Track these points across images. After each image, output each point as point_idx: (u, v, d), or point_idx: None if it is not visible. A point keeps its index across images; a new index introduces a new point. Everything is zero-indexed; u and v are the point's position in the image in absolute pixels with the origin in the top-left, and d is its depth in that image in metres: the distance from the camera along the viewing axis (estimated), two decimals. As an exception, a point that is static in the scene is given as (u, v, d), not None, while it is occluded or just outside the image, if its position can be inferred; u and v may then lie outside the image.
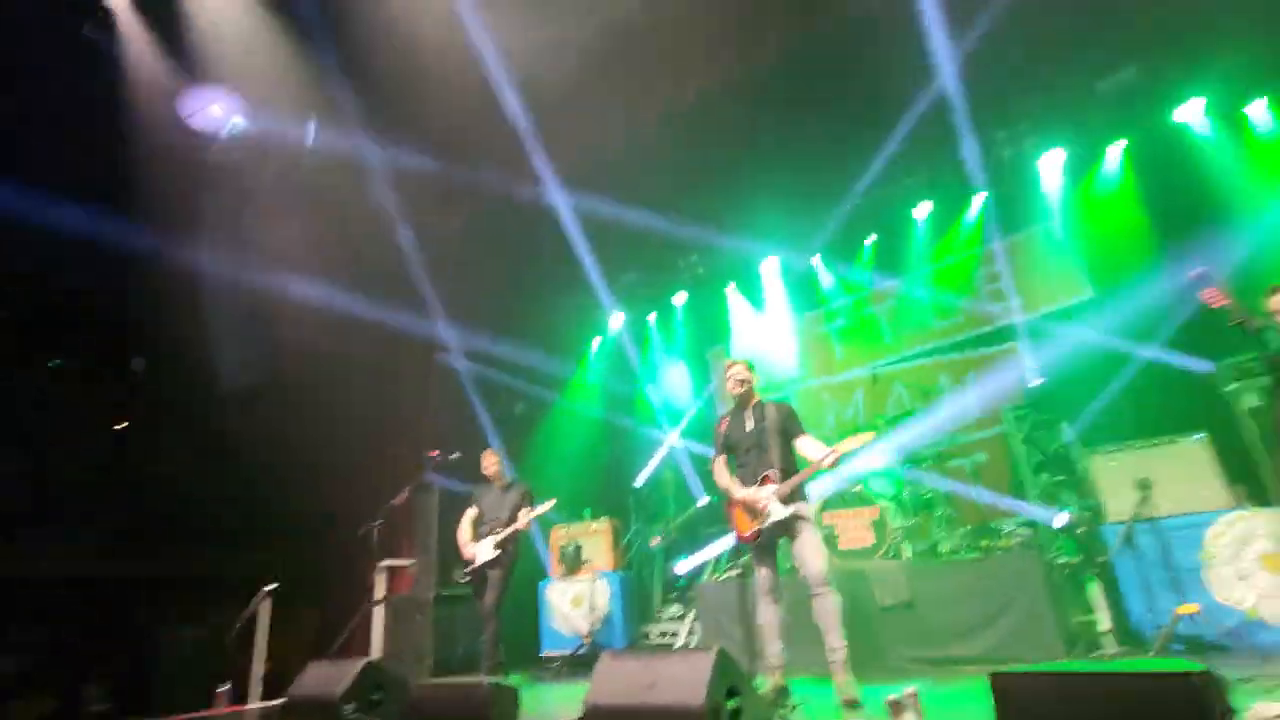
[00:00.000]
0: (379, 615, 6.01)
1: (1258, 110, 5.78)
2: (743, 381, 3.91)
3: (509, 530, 4.96)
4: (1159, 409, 5.16)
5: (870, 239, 7.83)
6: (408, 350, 7.79)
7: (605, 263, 8.47)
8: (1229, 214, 5.55)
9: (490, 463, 5.32)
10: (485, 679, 2.98)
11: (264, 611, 5.39)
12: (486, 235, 7.91)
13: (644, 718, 2.40)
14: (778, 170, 6.90)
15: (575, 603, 6.51)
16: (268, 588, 5.26)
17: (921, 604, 4.57)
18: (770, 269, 8.53)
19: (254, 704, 4.94)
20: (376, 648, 6.15)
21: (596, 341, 9.83)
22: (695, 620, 6.17)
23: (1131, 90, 6.12)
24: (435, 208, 7.35)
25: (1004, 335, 7.02)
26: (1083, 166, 6.60)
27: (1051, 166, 6.73)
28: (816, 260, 8.25)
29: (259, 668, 5.23)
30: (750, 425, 3.85)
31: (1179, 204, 5.88)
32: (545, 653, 6.56)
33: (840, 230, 7.62)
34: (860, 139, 6.63)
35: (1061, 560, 4.74)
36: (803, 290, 8.45)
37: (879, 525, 5.11)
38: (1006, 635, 4.25)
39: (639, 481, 8.09)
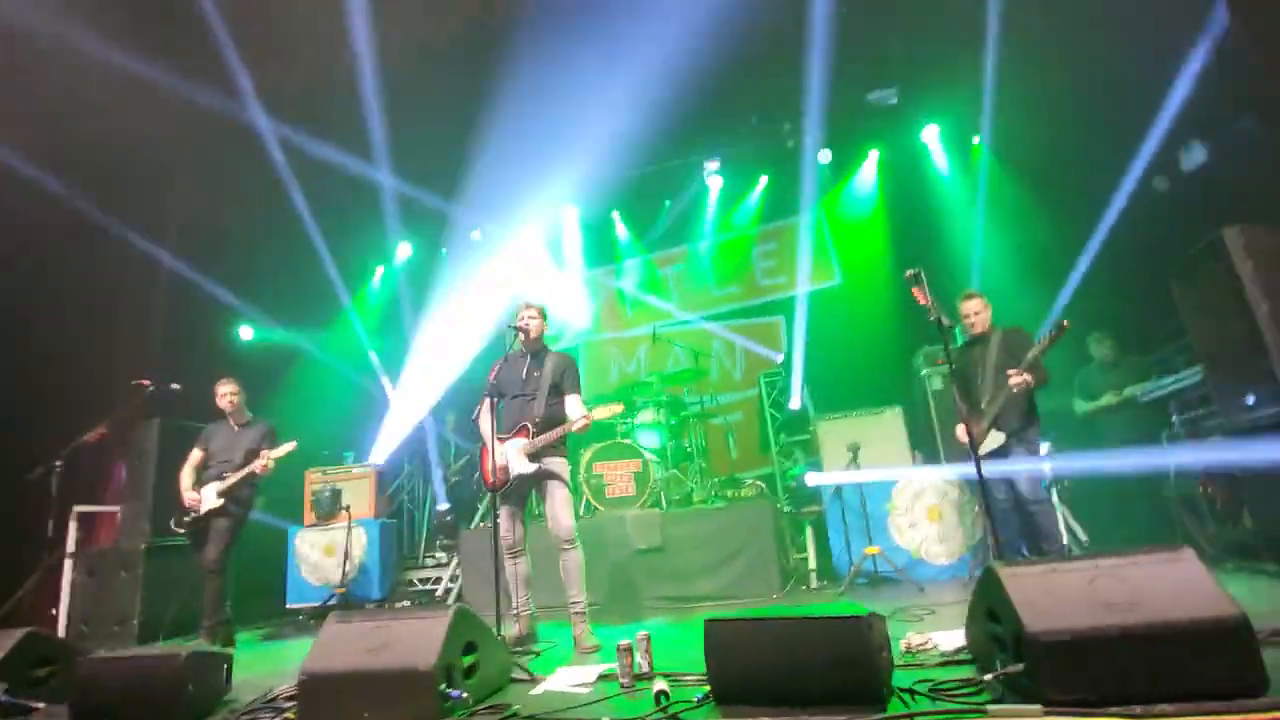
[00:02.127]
0: (67, 572, 5.00)
1: (976, 143, 6.96)
2: (530, 325, 3.81)
3: (240, 474, 4.35)
4: (872, 383, 6.10)
5: (668, 203, 8.09)
6: (126, 253, 6.30)
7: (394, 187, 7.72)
8: (950, 226, 6.69)
9: (226, 393, 4.57)
10: (187, 647, 2.59)
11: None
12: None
13: (369, 683, 2.27)
14: (582, 120, 6.75)
15: (328, 551, 6.04)
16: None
17: (671, 547, 4.97)
18: (569, 219, 8.44)
19: None
20: (64, 611, 5.16)
21: (379, 272, 9.00)
22: (458, 566, 6.10)
23: (892, 107, 6.96)
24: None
25: (770, 309, 7.78)
26: (845, 167, 7.43)
27: (823, 163, 7.48)
28: (615, 216, 8.35)
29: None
30: (524, 372, 3.79)
31: (914, 212, 6.92)
32: (292, 604, 6.04)
33: (638, 190, 7.74)
34: (665, 101, 6.68)
35: (787, 509, 5.46)
36: (598, 244, 8.52)
37: (641, 476, 5.42)
38: (740, 574, 4.81)
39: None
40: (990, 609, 2.19)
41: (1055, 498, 4.44)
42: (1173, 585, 1.94)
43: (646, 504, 5.39)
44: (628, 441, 5.63)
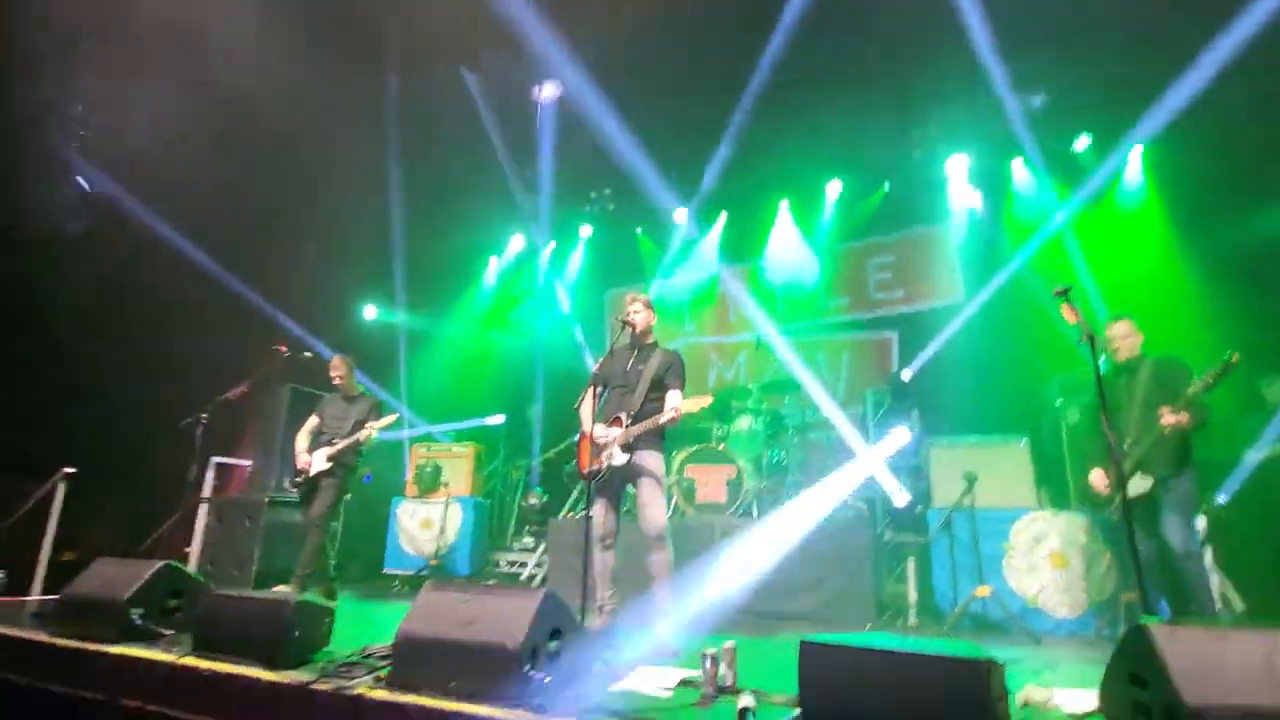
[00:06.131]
0: (201, 516, 5.53)
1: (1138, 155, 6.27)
2: (636, 319, 3.79)
3: (346, 442, 4.73)
4: (995, 410, 5.63)
5: (783, 204, 7.88)
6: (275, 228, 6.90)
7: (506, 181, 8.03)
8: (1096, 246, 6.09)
9: (338, 369, 4.99)
10: (296, 593, 2.76)
11: (58, 497, 4.79)
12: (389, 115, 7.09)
13: (458, 653, 2.30)
14: (704, 119, 6.72)
15: (424, 525, 6.33)
16: (64, 471, 4.64)
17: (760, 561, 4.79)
18: (682, 219, 8.42)
19: (29, 596, 4.39)
20: (195, 550, 5.70)
21: (493, 262, 9.39)
22: (545, 554, 6.20)
23: (1040, 114, 6.41)
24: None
25: (882, 323, 7.38)
26: (985, 176, 6.89)
27: (957, 171, 6.99)
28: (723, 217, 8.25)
29: (45, 557, 4.67)
30: (629, 365, 3.77)
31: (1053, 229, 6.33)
32: (388, 570, 6.38)
33: (754, 191, 7.60)
34: (788, 100, 6.50)
35: (888, 536, 5.13)
36: (704, 247, 8.44)
37: (735, 483, 5.28)
38: (830, 597, 4.56)
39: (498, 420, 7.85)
40: (1135, 672, 1.91)
41: (1210, 559, 3.88)
42: (1387, 676, 1.60)
43: (737, 513, 5.25)
44: (723, 447, 5.51)
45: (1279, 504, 4.52)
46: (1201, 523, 3.97)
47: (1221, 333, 4.91)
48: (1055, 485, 4.89)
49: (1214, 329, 5.04)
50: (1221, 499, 4.35)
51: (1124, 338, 3.86)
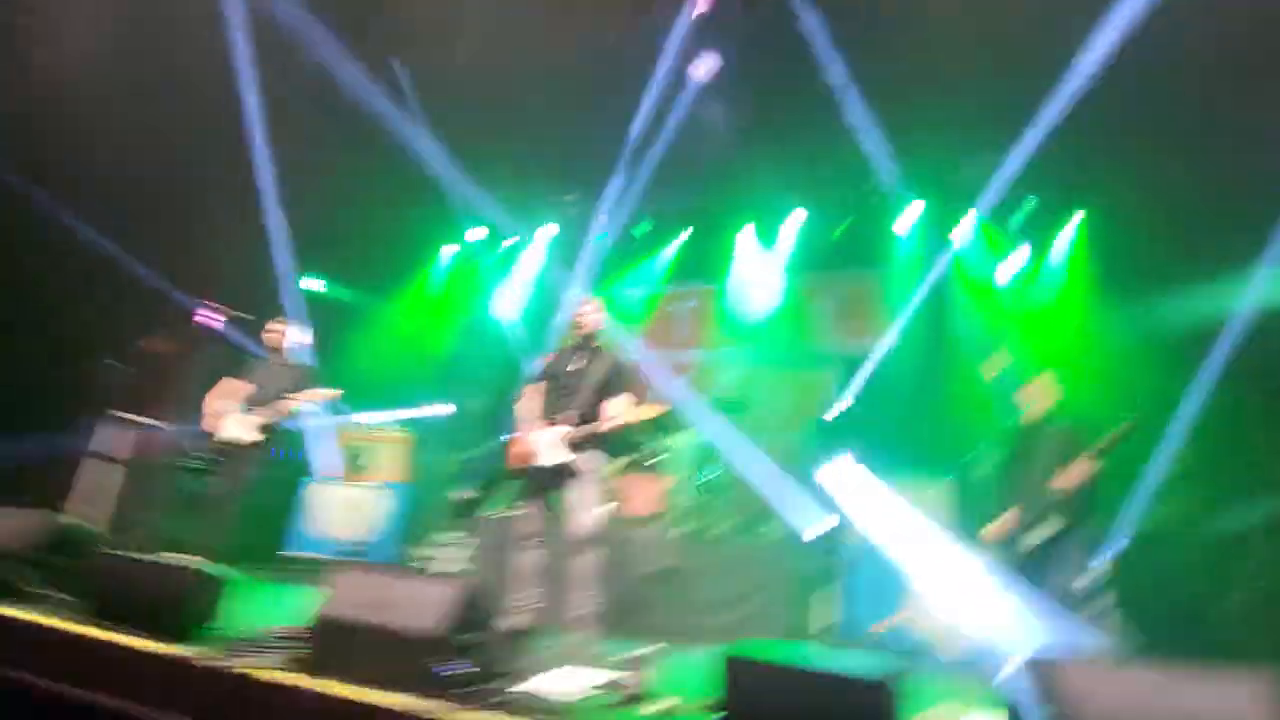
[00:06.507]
0: (97, 474, 5.13)
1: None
2: (586, 320, 3.77)
3: (265, 411, 4.33)
4: (923, 453, 5.84)
5: (745, 228, 8.00)
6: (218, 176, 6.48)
7: (476, 171, 7.86)
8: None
9: (274, 333, 4.61)
10: (192, 562, 2.58)
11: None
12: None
13: (374, 637, 2.21)
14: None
15: (347, 508, 6.06)
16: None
17: (683, 574, 4.81)
18: (644, 229, 8.45)
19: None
20: (95, 512, 5.28)
21: (447, 250, 9.18)
22: (472, 550, 6.04)
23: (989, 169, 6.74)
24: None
25: (824, 361, 7.55)
26: (935, 223, 7.17)
27: (910, 218, 7.27)
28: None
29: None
30: (575, 366, 3.74)
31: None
32: (290, 552, 6.04)
33: (715, 212, 7.71)
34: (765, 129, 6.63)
35: (813, 559, 5.24)
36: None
37: (665, 498, 5.30)
38: (750, 614, 4.62)
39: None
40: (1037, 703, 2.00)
41: (1107, 603, 4.14)
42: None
43: (666, 526, 5.26)
44: (657, 460, 5.53)
45: (1175, 551, 4.89)
46: (1101, 568, 4.23)
47: (1128, 399, 5.27)
48: (976, 527, 5.12)
49: (1122, 395, 5.39)
50: (1118, 547, 4.63)
51: (1037, 396, 4.13)
